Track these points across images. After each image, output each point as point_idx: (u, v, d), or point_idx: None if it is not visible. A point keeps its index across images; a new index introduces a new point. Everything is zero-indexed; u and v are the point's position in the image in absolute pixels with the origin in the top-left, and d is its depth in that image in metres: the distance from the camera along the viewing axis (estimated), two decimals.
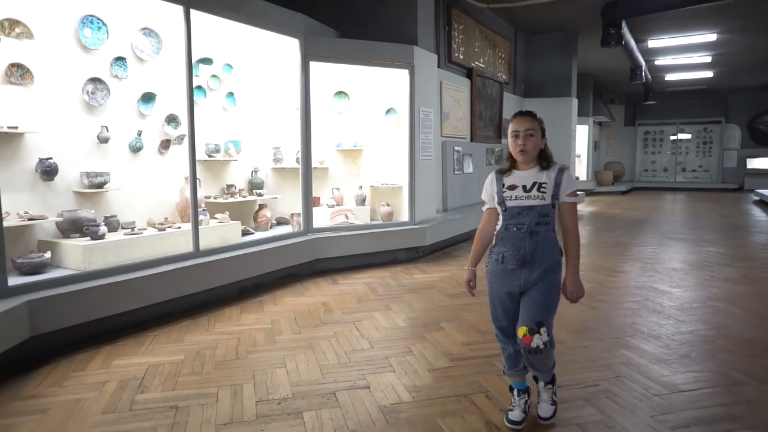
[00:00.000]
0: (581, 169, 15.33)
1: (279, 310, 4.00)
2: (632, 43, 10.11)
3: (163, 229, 4.20)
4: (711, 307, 3.98)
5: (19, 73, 3.61)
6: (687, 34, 10.38)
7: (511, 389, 2.31)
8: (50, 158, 3.76)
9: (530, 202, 2.12)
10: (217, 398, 2.53)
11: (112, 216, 4.14)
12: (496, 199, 2.20)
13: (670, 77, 15.18)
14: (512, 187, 2.16)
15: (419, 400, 2.49)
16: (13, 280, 3.13)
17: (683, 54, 12.34)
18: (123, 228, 4.13)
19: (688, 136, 18.81)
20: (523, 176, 2.17)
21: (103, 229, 3.80)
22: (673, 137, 18.99)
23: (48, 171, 3.76)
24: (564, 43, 10.50)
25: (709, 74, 14.58)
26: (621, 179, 18.76)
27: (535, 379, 2.32)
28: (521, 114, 2.18)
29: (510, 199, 2.15)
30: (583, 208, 11.62)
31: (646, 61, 12.44)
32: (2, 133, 3.48)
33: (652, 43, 11.05)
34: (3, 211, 3.10)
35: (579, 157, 14.52)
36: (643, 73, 12.30)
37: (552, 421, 2.26)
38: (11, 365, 2.85)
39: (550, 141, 2.25)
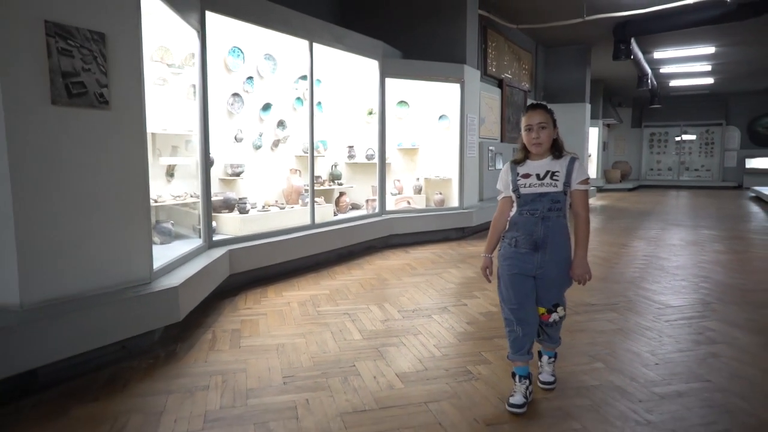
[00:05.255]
0: (591, 168, 16.58)
1: (375, 268, 5.34)
2: (639, 54, 11.40)
3: (283, 208, 5.56)
4: (699, 267, 5.31)
5: (192, 91, 4.96)
6: (689, 47, 11.68)
7: (513, 375, 2.34)
8: (210, 153, 5.12)
9: (543, 189, 2.23)
10: (370, 310, 3.87)
11: (244, 197, 5.50)
12: (510, 187, 2.32)
13: (674, 83, 16.41)
14: (526, 176, 2.27)
15: None
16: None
17: (686, 63, 13.60)
18: (251, 207, 5.48)
19: (691, 137, 20.06)
20: (536, 166, 2.28)
21: (249, 206, 5.17)
22: (677, 138, 20.27)
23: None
24: (579, 56, 11.85)
25: (710, 81, 15.83)
26: (628, 177, 20.02)
27: (539, 354, 2.50)
28: (532, 108, 2.27)
29: (524, 187, 2.27)
30: (594, 202, 12.94)
31: (651, 69, 13.69)
32: (183, 135, 4.84)
33: (658, 54, 12.33)
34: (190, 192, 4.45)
35: (590, 156, 15.81)
36: (649, 80, 13.55)
37: (553, 386, 2.49)
38: (222, 293, 4.22)
39: (566, 143, 2.36)
